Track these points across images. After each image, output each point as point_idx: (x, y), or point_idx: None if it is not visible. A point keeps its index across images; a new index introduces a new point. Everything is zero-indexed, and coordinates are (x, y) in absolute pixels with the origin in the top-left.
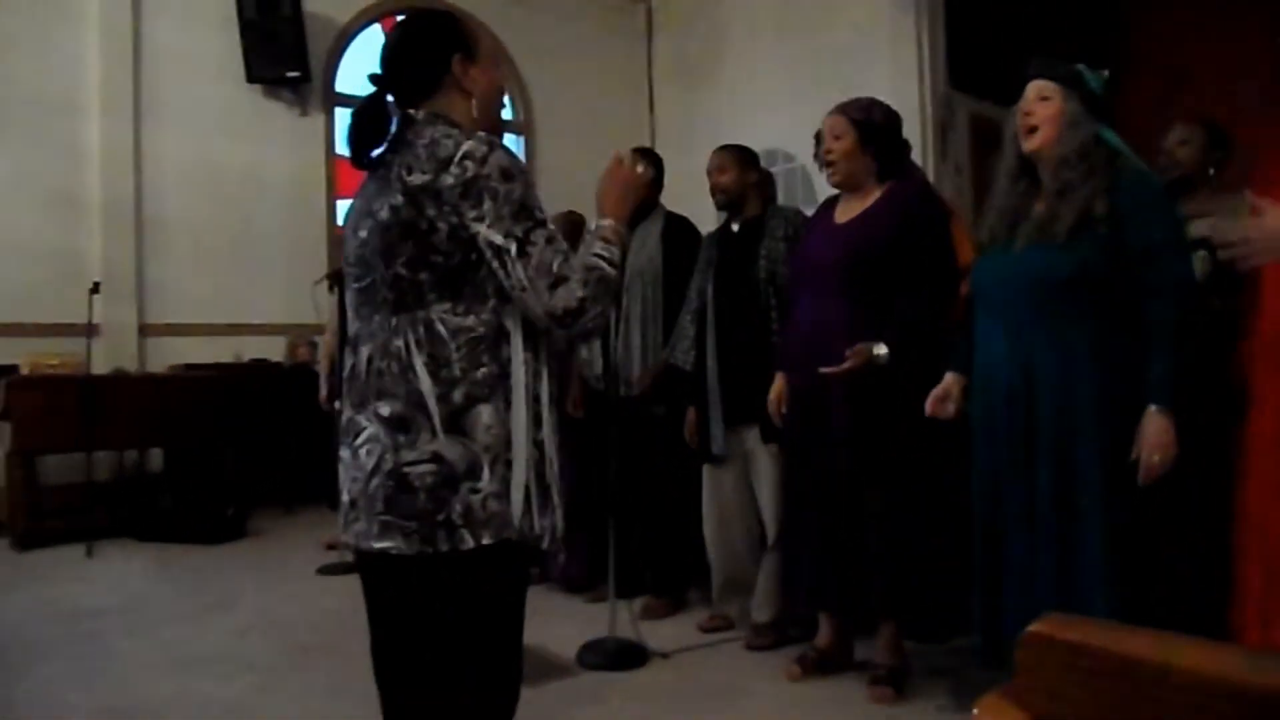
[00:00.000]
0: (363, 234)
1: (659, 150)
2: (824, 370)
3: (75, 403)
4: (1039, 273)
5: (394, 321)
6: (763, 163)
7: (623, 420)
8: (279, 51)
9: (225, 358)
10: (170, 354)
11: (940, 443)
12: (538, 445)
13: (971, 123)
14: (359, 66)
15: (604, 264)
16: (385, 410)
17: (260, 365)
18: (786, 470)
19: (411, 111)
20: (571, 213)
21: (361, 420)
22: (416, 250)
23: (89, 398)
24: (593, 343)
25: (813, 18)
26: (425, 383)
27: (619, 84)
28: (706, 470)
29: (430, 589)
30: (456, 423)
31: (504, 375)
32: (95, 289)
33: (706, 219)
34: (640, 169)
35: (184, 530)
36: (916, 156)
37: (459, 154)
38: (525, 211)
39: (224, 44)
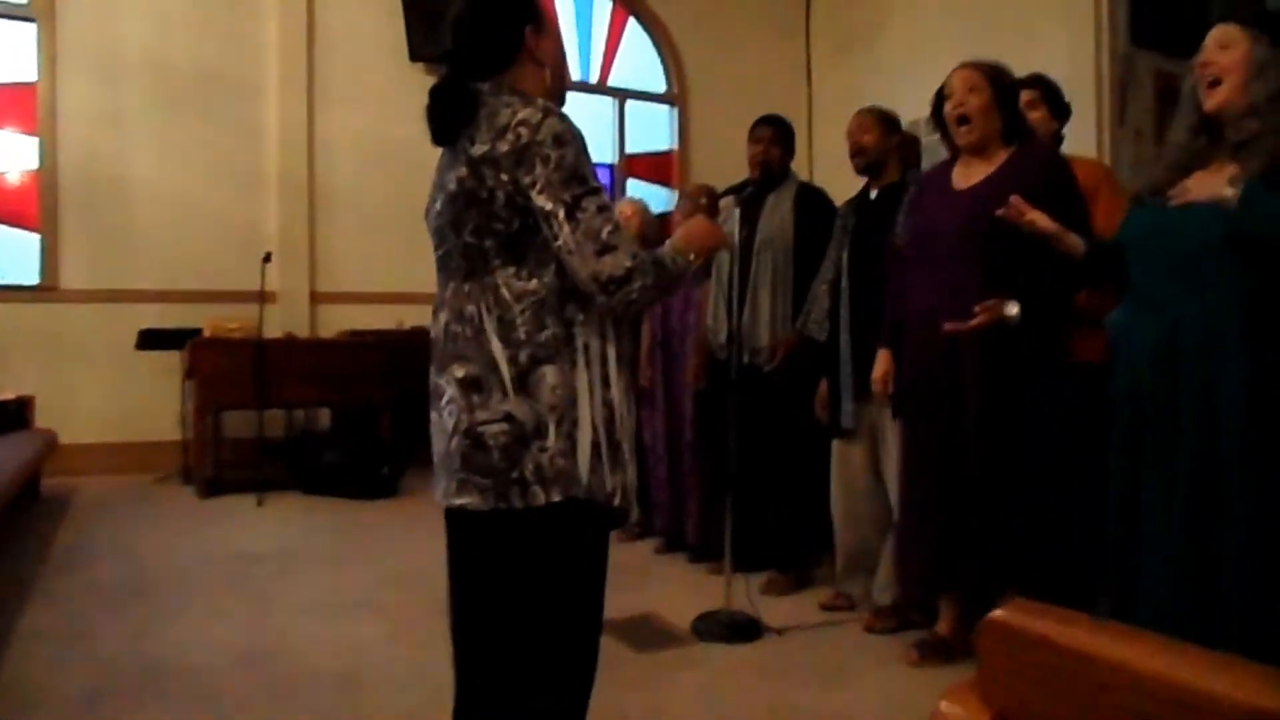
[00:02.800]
0: (438, 206)
1: (815, 122)
2: (949, 326)
3: (250, 364)
4: (1196, 231)
5: (466, 288)
6: (920, 134)
7: (749, 390)
8: (439, 31)
9: (388, 324)
10: (339, 320)
11: (1075, 414)
12: (607, 404)
13: (1156, 82)
14: None
15: (665, 255)
16: (460, 373)
17: (420, 332)
18: (908, 446)
19: (484, 86)
20: (706, 185)
21: (442, 384)
22: (480, 218)
23: (261, 359)
24: (718, 312)
25: None
26: (495, 345)
27: (775, 54)
28: (835, 445)
29: (505, 544)
30: (524, 383)
31: (568, 337)
32: (267, 259)
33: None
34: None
35: (345, 485)
36: (1090, 121)
37: (514, 121)
38: (577, 178)
39: (389, 25)
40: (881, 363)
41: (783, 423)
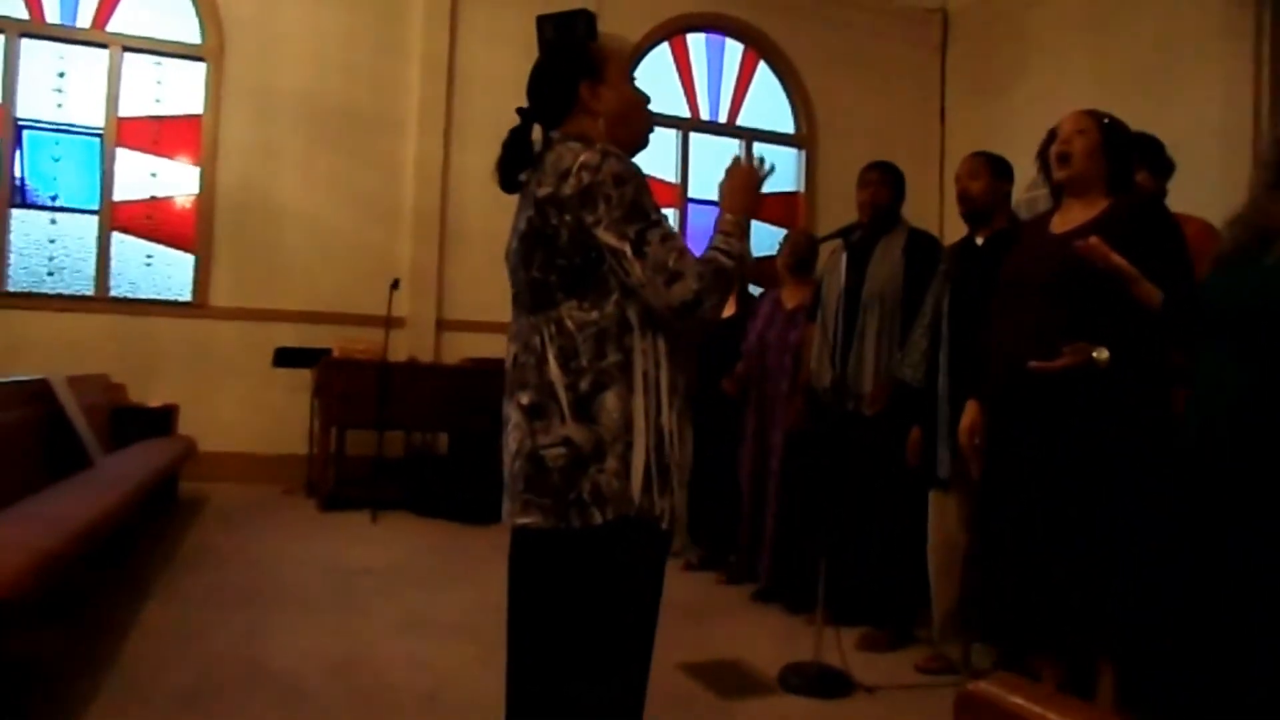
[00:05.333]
0: (513, 245)
1: (948, 166)
2: (1034, 365)
3: (373, 385)
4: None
5: (533, 320)
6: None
7: (849, 437)
8: None
9: None
10: (463, 347)
11: (1172, 467)
12: (658, 430)
13: None
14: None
15: (720, 256)
16: (525, 399)
17: None
18: (986, 496)
19: (552, 134)
20: (809, 232)
21: (509, 410)
22: (546, 255)
23: (385, 381)
24: (823, 357)
25: (1128, 16)
26: (555, 373)
27: (908, 96)
28: (932, 496)
29: (563, 562)
30: (584, 408)
31: (628, 364)
32: (395, 285)
33: None
34: (758, 165)
35: (456, 509)
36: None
37: (576, 165)
38: (638, 212)
39: (525, 66)
40: (969, 413)
41: (882, 471)
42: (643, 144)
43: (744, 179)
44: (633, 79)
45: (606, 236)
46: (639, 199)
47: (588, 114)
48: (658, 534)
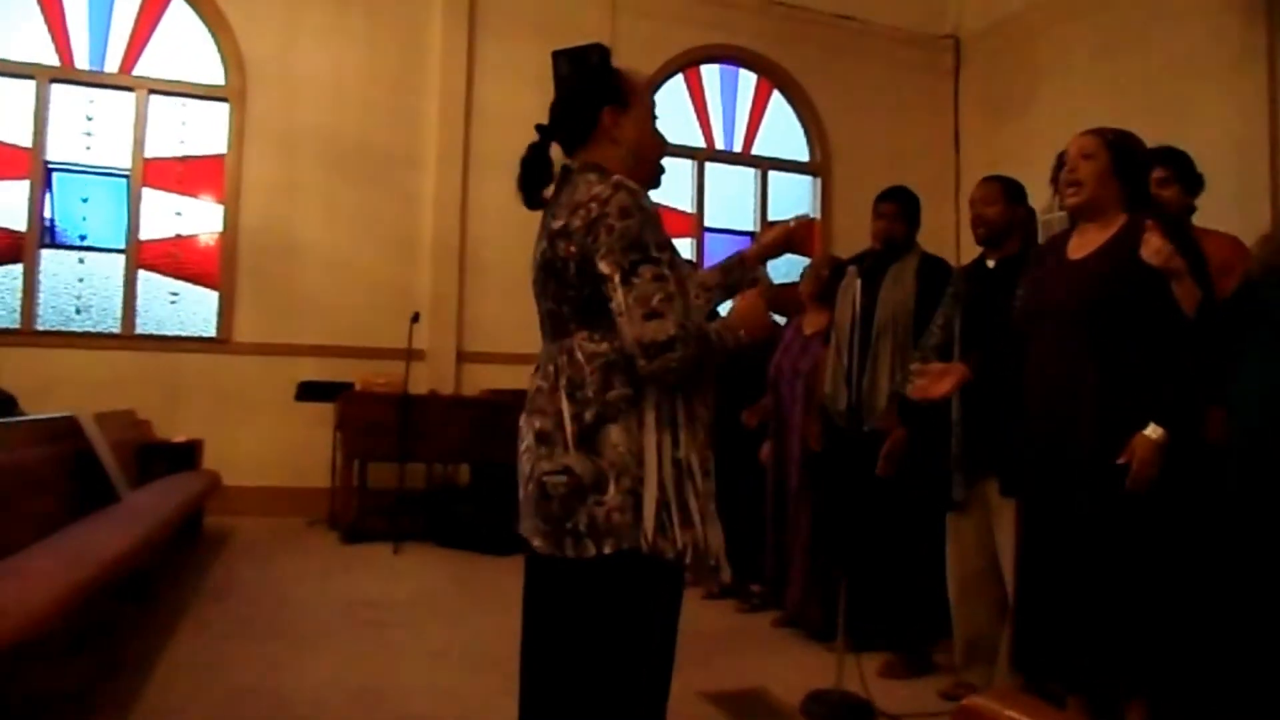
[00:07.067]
0: (534, 275)
1: (963, 191)
2: (1131, 485)
3: (395, 418)
4: None
5: (551, 349)
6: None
7: (865, 460)
8: None
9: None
10: (484, 379)
11: (1206, 495)
12: (675, 464)
13: None
14: (662, 116)
15: (714, 329)
16: (538, 424)
17: None
18: (1024, 527)
19: (570, 163)
20: (833, 256)
21: (525, 432)
22: (558, 286)
23: (406, 414)
24: (838, 380)
25: (1140, 39)
26: (563, 402)
27: (922, 122)
28: (949, 520)
29: (559, 589)
30: (588, 440)
31: (637, 397)
32: (415, 319)
33: None
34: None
35: (478, 540)
36: (1264, 197)
37: (588, 198)
38: (637, 245)
39: (542, 102)
40: (958, 371)
41: (899, 495)
42: (655, 182)
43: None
44: (654, 116)
45: (602, 264)
46: (642, 234)
47: (609, 141)
48: (667, 571)
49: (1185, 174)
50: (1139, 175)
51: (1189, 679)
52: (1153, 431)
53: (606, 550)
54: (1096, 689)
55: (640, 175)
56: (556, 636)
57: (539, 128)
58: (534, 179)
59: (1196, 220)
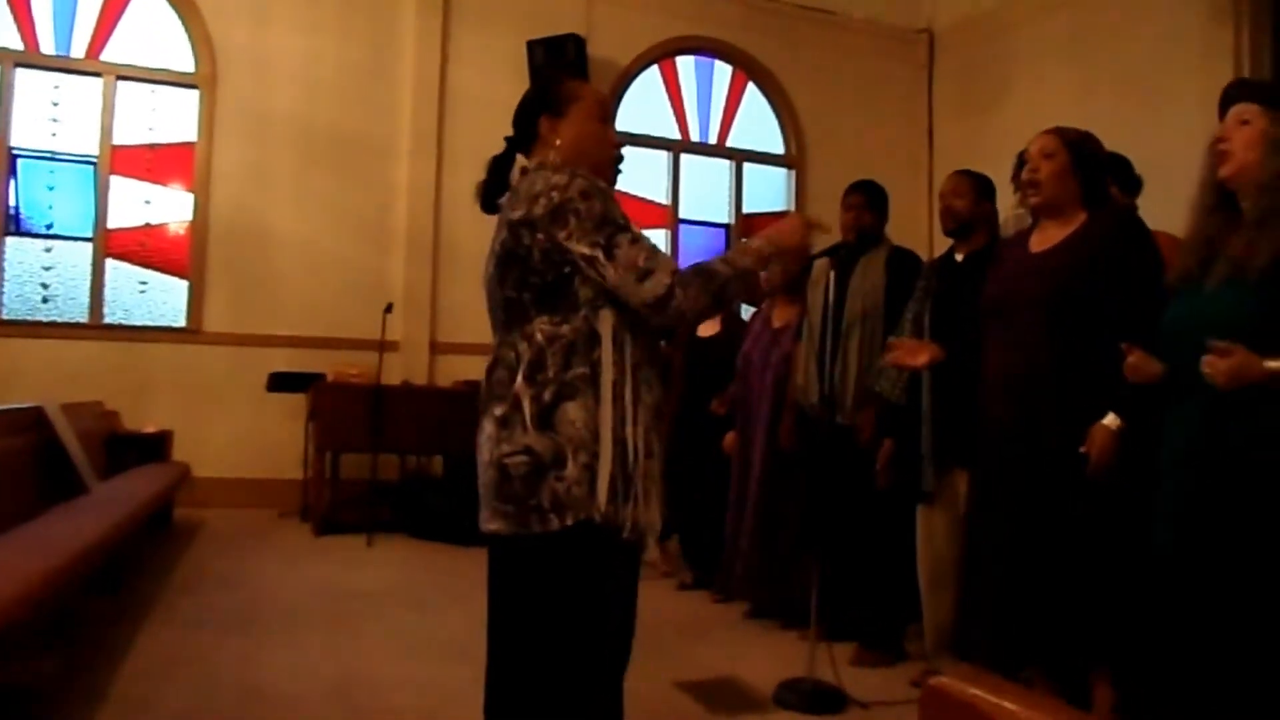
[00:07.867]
0: (489, 269)
1: (936, 184)
2: (1090, 473)
3: (367, 408)
4: (1223, 315)
5: (509, 338)
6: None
7: (838, 451)
8: None
9: None
10: (458, 369)
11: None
12: (621, 441)
13: None
14: (638, 107)
15: (718, 263)
16: (497, 411)
17: None
18: (977, 506)
19: (526, 164)
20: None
21: (484, 422)
22: (519, 274)
23: (378, 405)
24: (810, 371)
25: (1110, 35)
26: (521, 385)
27: (896, 115)
28: (920, 512)
29: (526, 566)
30: (546, 418)
31: (593, 376)
32: (389, 309)
33: None
34: (815, 222)
35: (453, 531)
36: None
37: (547, 187)
38: (606, 221)
39: (515, 89)
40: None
41: (870, 486)
42: (607, 179)
43: (793, 223)
44: (602, 121)
45: (579, 247)
46: (606, 210)
47: (547, 146)
48: (621, 542)
49: (1124, 177)
50: (1098, 174)
51: (1149, 648)
52: (1110, 421)
53: (569, 522)
54: (1055, 665)
55: (592, 168)
56: (518, 614)
57: (507, 139)
58: (494, 186)
59: (1157, 221)
